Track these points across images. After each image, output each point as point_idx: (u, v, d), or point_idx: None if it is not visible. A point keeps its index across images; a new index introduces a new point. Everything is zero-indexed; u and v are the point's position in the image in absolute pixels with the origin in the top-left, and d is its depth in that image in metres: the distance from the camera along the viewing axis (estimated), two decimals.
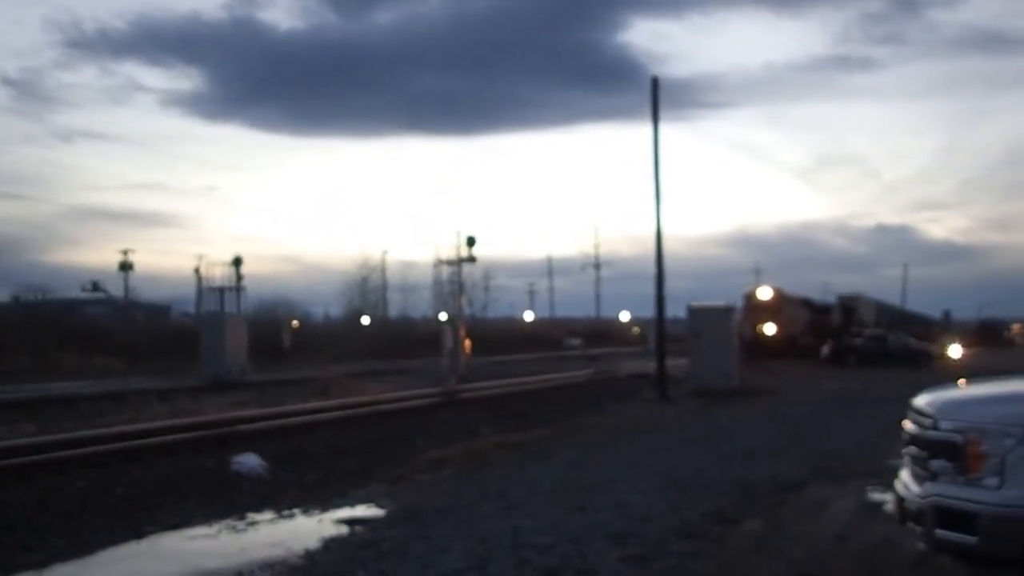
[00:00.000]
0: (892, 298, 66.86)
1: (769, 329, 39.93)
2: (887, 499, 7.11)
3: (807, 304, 45.66)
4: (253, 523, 8.09)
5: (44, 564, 6.84)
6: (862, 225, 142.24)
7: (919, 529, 4.74)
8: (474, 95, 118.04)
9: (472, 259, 29.89)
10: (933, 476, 4.67)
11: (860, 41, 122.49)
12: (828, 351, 39.76)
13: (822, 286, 63.64)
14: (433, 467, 10.88)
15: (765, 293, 42.29)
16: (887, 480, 7.04)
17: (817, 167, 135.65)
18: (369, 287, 75.17)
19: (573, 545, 6.47)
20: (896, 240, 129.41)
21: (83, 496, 9.65)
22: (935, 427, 4.74)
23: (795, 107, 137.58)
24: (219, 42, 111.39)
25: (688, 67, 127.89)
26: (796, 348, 40.19)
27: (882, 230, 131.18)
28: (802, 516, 7.53)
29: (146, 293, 64.38)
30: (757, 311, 39.59)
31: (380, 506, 8.51)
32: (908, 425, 5.14)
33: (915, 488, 4.84)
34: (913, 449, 5.00)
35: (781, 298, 42.34)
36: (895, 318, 57.25)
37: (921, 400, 5.13)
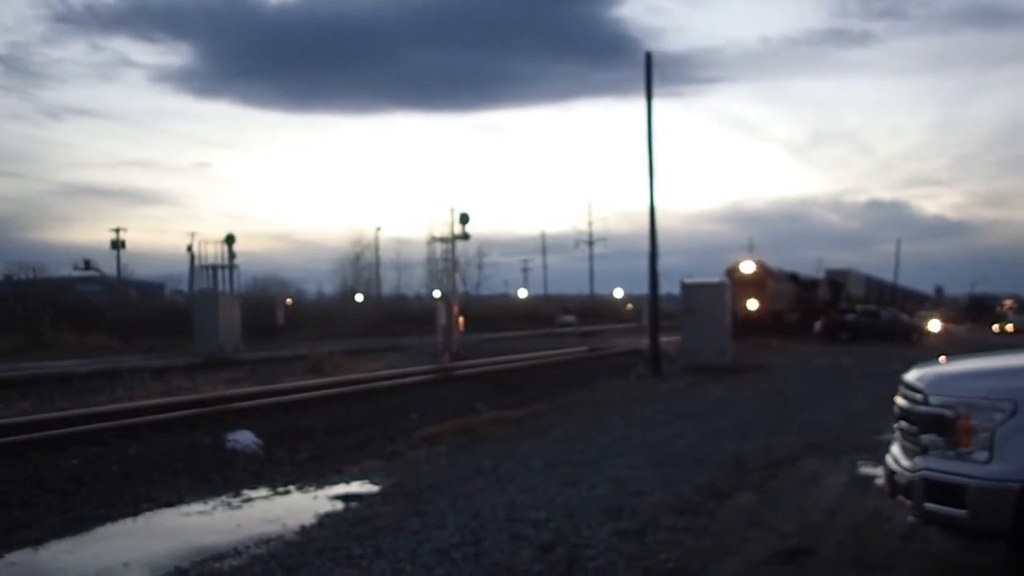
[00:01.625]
0: (885, 274, 67.16)
1: (752, 305, 37.82)
2: (878, 473, 7.18)
3: (793, 279, 44.21)
4: (248, 500, 8.12)
5: (40, 541, 6.86)
6: (856, 201, 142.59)
7: (909, 502, 4.79)
8: (468, 71, 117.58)
9: (466, 236, 29.83)
10: (923, 450, 4.71)
11: (857, 15, 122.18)
12: (820, 326, 39.79)
13: (816, 262, 63.66)
14: (427, 443, 10.92)
15: (748, 267, 40.12)
16: (878, 454, 7.11)
17: (811, 143, 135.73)
18: (362, 264, 75.37)
19: (567, 520, 6.53)
20: (890, 216, 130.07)
21: (78, 473, 9.66)
22: (925, 402, 4.78)
23: (790, 82, 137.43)
24: (209, 16, 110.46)
25: (683, 41, 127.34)
26: (781, 325, 38.69)
27: (876, 206, 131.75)
28: (794, 490, 7.60)
29: (139, 271, 64.44)
30: (740, 286, 36.46)
31: (375, 482, 8.55)
32: (899, 400, 5.17)
33: (905, 462, 4.89)
34: (904, 423, 5.04)
35: (765, 272, 40.51)
36: (886, 293, 57.40)
37: (912, 375, 5.16)
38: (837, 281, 48.55)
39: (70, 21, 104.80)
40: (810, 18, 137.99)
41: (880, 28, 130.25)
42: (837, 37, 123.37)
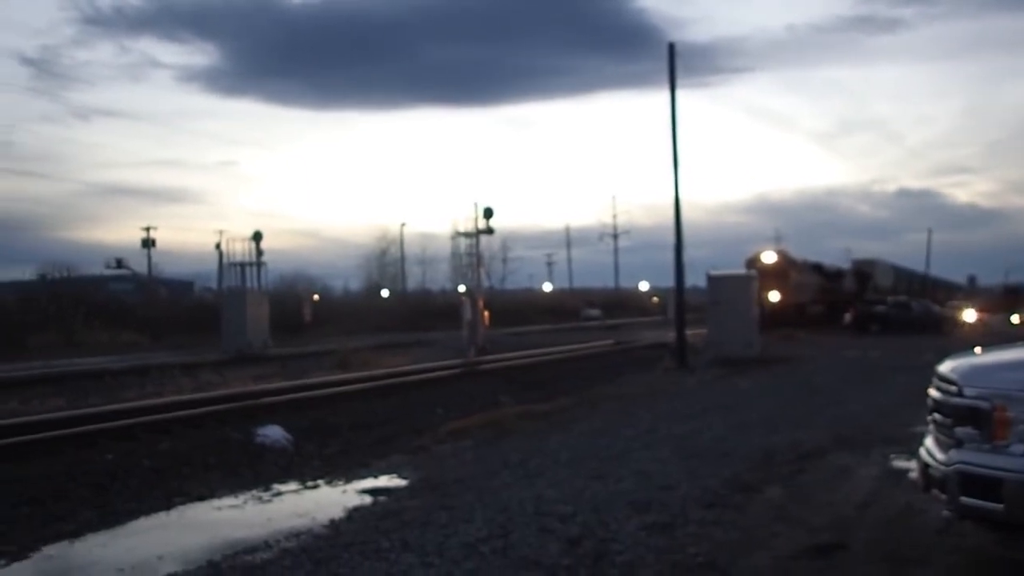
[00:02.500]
0: (916, 264, 66.04)
1: (773, 296, 36.14)
2: (911, 467, 7.07)
3: (817, 269, 42.85)
4: (278, 494, 8.20)
5: (76, 534, 6.98)
6: (885, 190, 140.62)
7: (944, 496, 4.71)
8: (491, 65, 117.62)
9: (490, 231, 29.79)
10: (958, 443, 4.63)
11: (885, 1, 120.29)
12: (850, 318, 39.16)
13: (844, 252, 62.66)
14: (454, 437, 10.95)
15: (769, 257, 38.82)
16: (910, 448, 7.01)
17: (839, 132, 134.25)
18: (388, 260, 75.76)
19: (595, 514, 6.51)
20: (920, 205, 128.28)
21: (112, 468, 9.81)
22: (960, 394, 4.69)
23: (817, 71, 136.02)
24: (234, 16, 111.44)
25: (709, 31, 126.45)
26: (804, 317, 37.42)
27: (905, 195, 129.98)
28: (824, 484, 7.52)
29: (168, 269, 65.29)
30: (760, 277, 36.05)
31: (402, 476, 8.59)
32: (933, 392, 5.09)
33: (940, 455, 4.81)
34: (938, 416, 4.96)
35: (787, 262, 39.23)
36: (915, 283, 56.23)
37: (946, 367, 5.07)
38: (864, 271, 47.50)
39: (98, 23, 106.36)
40: (837, 5, 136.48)
41: (908, 14, 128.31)
42: (864, 24, 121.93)
